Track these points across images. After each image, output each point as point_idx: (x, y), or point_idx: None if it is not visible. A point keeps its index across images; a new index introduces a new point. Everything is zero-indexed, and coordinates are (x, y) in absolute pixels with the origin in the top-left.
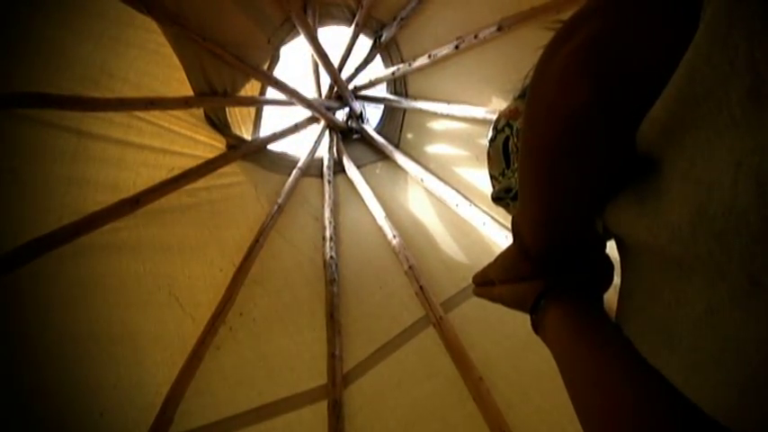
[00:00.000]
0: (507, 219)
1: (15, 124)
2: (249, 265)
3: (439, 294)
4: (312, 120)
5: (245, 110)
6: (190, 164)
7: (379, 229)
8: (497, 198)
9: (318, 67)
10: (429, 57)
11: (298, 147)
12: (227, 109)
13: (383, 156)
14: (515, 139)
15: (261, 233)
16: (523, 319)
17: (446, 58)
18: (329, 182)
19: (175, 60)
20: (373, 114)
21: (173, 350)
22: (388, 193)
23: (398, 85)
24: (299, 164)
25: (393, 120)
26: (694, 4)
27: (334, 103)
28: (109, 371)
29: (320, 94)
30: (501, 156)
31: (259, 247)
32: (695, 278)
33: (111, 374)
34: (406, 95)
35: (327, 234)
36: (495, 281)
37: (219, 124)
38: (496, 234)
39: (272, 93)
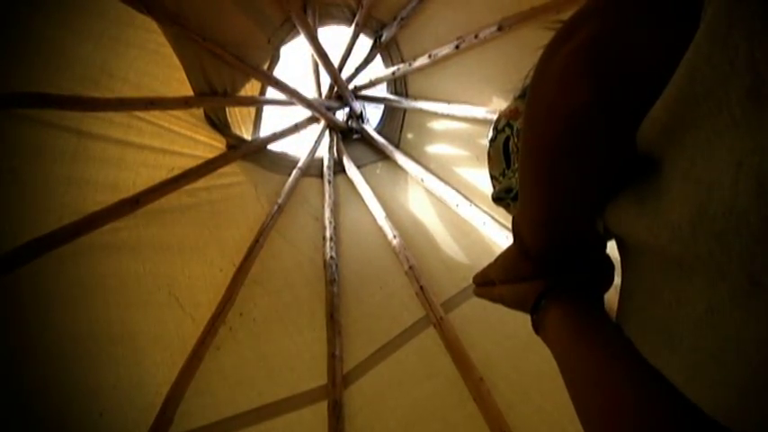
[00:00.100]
0: (508, 219)
1: (15, 124)
2: (249, 265)
3: (439, 294)
4: (312, 120)
5: (245, 110)
6: (190, 164)
7: (380, 229)
8: (498, 198)
9: (318, 67)
10: (429, 56)
11: (298, 147)
12: (227, 109)
13: (383, 156)
14: (516, 140)
15: (261, 233)
16: (524, 320)
17: (446, 57)
18: (329, 182)
19: (175, 60)
20: (373, 114)
21: (173, 350)
22: (389, 194)
23: (399, 84)
24: (299, 164)
25: (393, 120)
26: (694, 4)
27: (334, 103)
28: (109, 371)
29: (320, 94)
30: (501, 156)
31: (259, 247)
32: (695, 278)
33: (110, 374)
34: (407, 95)
35: (327, 234)
36: (496, 281)
37: (219, 124)
38: (497, 234)
39: (272, 93)
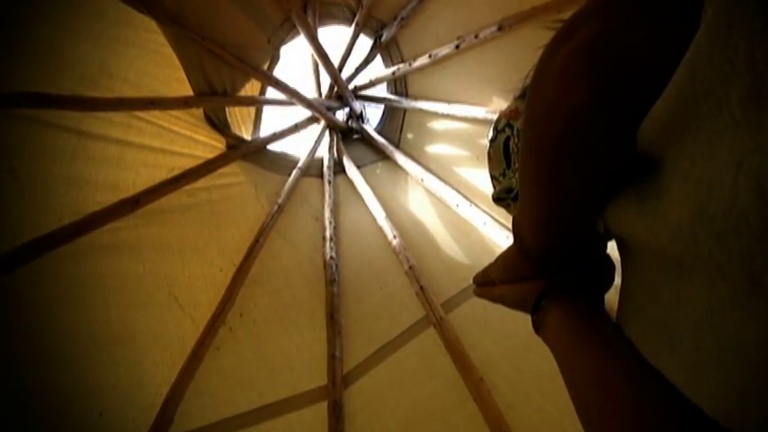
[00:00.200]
0: (508, 219)
1: (14, 124)
2: (249, 265)
3: (439, 295)
4: (312, 120)
5: (244, 110)
6: (190, 164)
7: (380, 229)
8: (498, 198)
9: (318, 67)
10: (429, 56)
11: (298, 147)
12: (226, 109)
13: (383, 156)
14: (516, 140)
15: (261, 233)
16: (524, 320)
17: (447, 57)
18: (329, 182)
19: (175, 60)
20: (373, 114)
21: (172, 350)
22: (389, 194)
23: (399, 84)
24: (299, 164)
25: (393, 120)
26: (694, 4)
27: (334, 103)
28: (108, 371)
29: (320, 94)
30: (501, 156)
31: (259, 247)
32: (695, 278)
33: (110, 375)
34: (407, 95)
35: (327, 234)
36: (496, 281)
37: (219, 124)
38: (497, 234)
39: (272, 93)
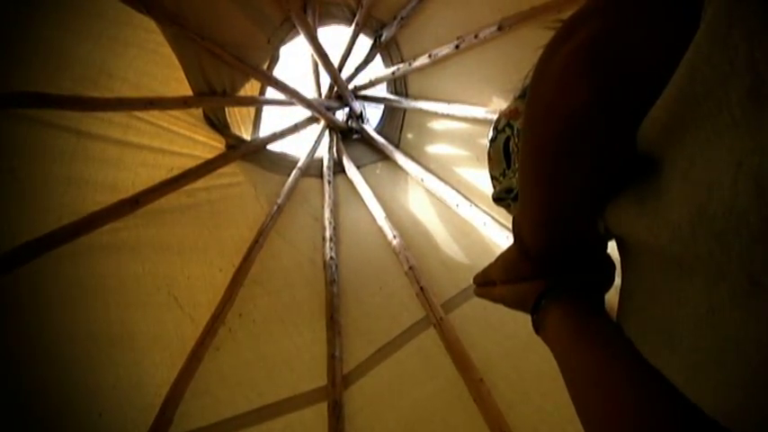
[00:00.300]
0: (508, 219)
1: (14, 124)
2: (249, 265)
3: (439, 295)
4: (312, 120)
5: (244, 110)
6: (189, 164)
7: (380, 229)
8: (498, 198)
9: (318, 67)
10: (429, 56)
11: (297, 147)
12: (226, 109)
13: (383, 156)
14: (516, 140)
15: (260, 233)
16: (524, 320)
17: (446, 57)
18: (329, 182)
19: (174, 60)
20: (373, 114)
21: (172, 351)
22: (389, 194)
23: (399, 84)
24: (299, 164)
25: (393, 120)
26: (695, 4)
27: (334, 103)
28: (108, 371)
29: (320, 94)
30: (501, 156)
31: (259, 247)
32: (695, 278)
33: (110, 375)
34: (407, 95)
35: (327, 234)
36: (496, 281)
37: (219, 124)
38: (497, 234)
39: (271, 93)
